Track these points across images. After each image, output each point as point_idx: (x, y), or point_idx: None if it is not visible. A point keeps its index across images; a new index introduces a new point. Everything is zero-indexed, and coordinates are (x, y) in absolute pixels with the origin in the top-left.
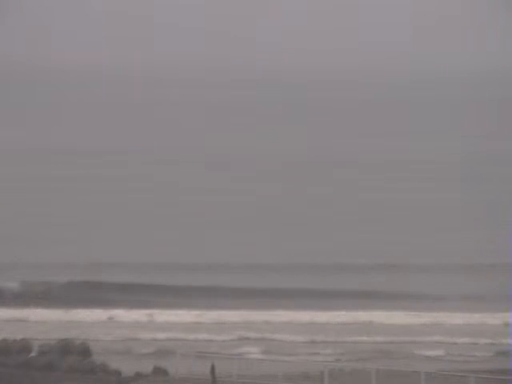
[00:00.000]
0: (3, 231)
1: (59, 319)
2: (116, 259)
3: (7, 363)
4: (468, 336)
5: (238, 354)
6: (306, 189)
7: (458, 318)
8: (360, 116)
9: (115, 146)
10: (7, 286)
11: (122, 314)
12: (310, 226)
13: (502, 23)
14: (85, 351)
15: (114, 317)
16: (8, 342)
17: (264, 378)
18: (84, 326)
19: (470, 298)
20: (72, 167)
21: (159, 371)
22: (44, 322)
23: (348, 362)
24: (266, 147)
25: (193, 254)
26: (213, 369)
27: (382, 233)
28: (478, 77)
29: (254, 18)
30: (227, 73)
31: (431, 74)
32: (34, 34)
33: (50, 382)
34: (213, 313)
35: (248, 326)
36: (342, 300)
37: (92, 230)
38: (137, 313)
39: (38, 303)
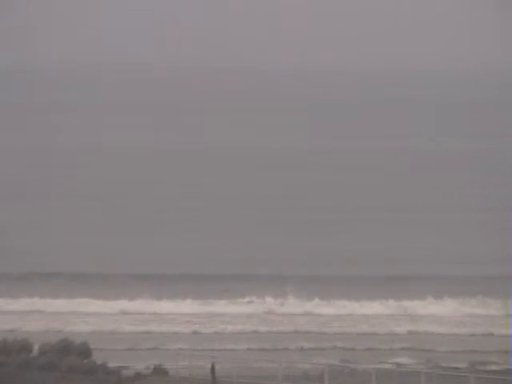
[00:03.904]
0: None
1: None
2: None
3: (7, 363)
4: None
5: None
6: None
7: None
8: (360, 116)
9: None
10: None
11: None
12: None
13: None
14: (85, 351)
15: None
16: (8, 342)
17: (264, 378)
18: None
19: None
20: None
21: (159, 371)
22: None
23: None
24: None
25: None
26: (213, 369)
27: None
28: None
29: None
30: (243, 72)
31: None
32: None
33: (50, 382)
34: None
35: None
36: None
37: None
38: None
39: None
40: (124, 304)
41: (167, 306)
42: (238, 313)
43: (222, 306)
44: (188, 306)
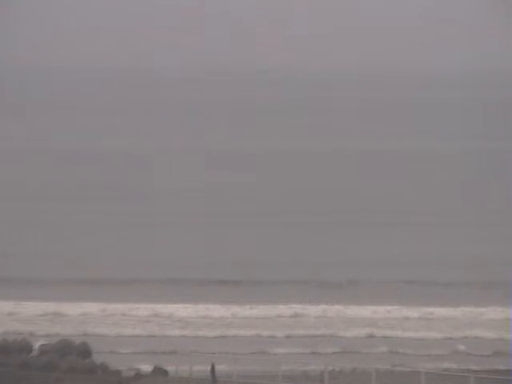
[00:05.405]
0: None
1: None
2: None
3: (7, 363)
4: None
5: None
6: None
7: None
8: (362, 116)
9: None
10: None
11: None
12: None
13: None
14: (85, 351)
15: None
16: (8, 342)
17: (264, 378)
18: None
19: None
20: None
21: (159, 371)
22: None
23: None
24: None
25: None
26: (213, 369)
27: None
28: None
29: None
30: (231, 72)
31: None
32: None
33: (50, 382)
34: None
35: None
36: None
37: None
38: None
39: None
40: None
41: None
42: None
43: None
44: None
